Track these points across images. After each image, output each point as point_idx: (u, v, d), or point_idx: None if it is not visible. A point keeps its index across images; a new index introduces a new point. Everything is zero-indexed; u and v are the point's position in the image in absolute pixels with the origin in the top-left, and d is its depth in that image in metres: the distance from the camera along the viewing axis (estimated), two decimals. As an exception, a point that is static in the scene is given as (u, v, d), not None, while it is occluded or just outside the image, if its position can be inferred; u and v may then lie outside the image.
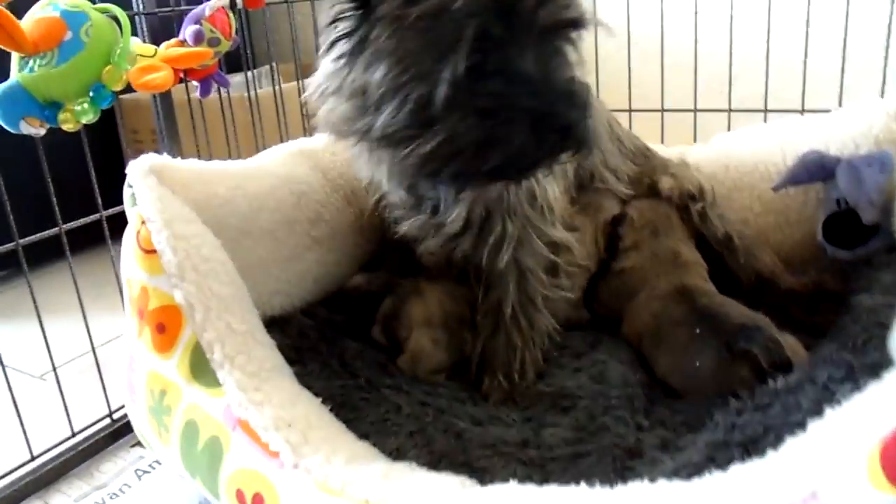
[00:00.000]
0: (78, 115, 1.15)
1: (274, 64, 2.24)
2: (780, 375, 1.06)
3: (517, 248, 1.21)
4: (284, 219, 1.34)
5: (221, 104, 1.73)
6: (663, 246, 1.38)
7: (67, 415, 1.35)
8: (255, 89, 1.84)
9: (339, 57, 1.03)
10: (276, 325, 1.32)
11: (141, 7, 1.42)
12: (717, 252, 1.43)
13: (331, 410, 1.06)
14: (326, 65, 1.06)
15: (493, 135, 0.95)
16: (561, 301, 1.29)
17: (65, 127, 1.16)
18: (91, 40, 1.13)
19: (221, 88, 1.54)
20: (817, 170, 1.39)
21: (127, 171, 1.14)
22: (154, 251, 1.06)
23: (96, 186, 1.38)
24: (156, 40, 1.40)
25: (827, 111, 1.58)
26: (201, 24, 1.34)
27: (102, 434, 1.40)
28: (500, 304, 1.25)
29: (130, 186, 1.12)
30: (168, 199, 1.10)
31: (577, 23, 1.01)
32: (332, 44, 1.03)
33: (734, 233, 1.43)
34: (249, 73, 1.80)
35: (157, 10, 1.47)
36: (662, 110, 1.76)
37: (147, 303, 1.06)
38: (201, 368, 1.02)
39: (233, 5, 1.40)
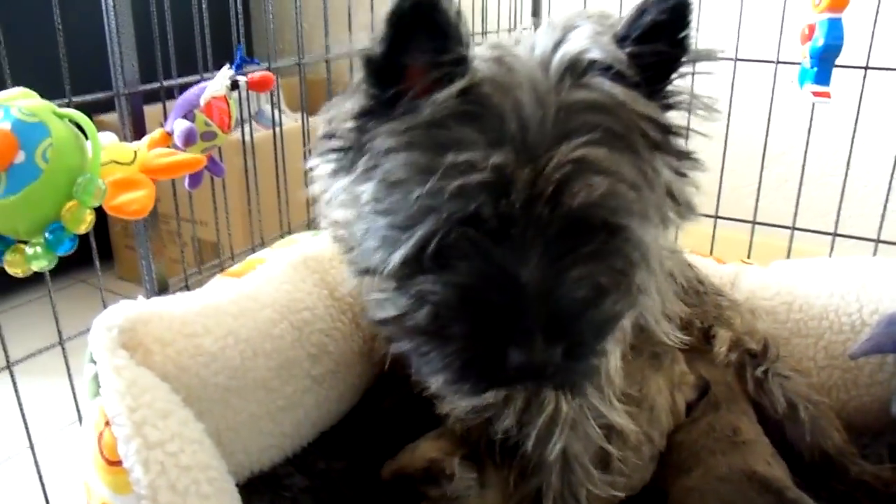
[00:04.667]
0: (28, 260, 0.90)
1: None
2: None
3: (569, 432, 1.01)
4: (282, 362, 1.11)
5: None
6: (723, 420, 1.19)
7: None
8: (251, 131, 1.58)
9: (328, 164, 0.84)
10: (266, 487, 1.12)
11: (122, 86, 1.15)
12: (775, 421, 1.24)
13: None
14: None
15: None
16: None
17: (10, 270, 0.91)
18: (49, 167, 0.87)
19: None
20: (906, 342, 1.20)
21: (90, 335, 0.90)
22: (120, 464, 0.83)
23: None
24: (138, 121, 1.15)
25: (905, 246, 1.39)
26: (194, 117, 1.08)
27: None
28: (539, 495, 1.05)
29: (94, 363, 0.88)
30: (140, 386, 0.87)
31: (611, 227, 0.75)
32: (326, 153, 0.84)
33: (801, 401, 1.24)
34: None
35: (141, 87, 1.19)
36: (716, 217, 1.54)
37: (108, 525, 0.84)
38: None
39: (234, 87, 1.14)
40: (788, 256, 1.51)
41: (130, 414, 0.83)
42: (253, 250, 1.34)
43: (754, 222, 1.52)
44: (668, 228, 0.85)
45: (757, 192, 1.51)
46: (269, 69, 1.43)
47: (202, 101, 1.09)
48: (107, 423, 0.84)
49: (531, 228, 0.72)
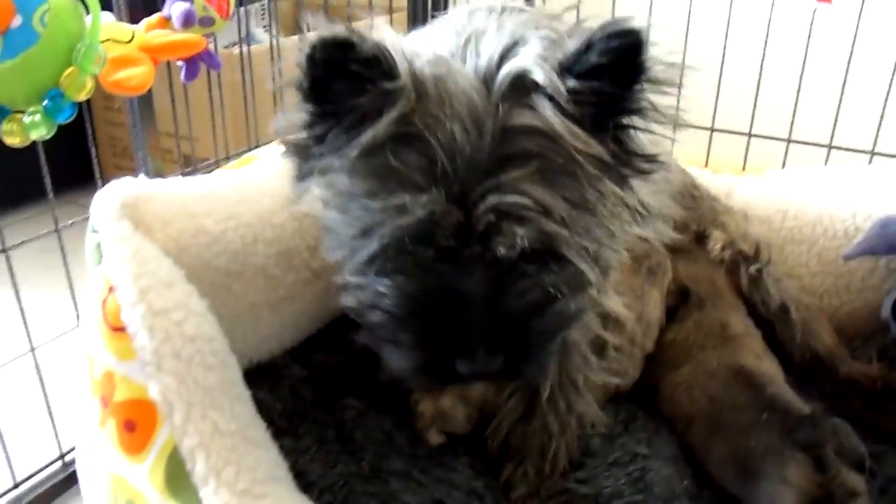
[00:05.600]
0: (27, 129, 0.88)
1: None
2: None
3: None
4: (282, 251, 1.11)
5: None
6: (709, 317, 1.21)
7: (9, 464, 1.13)
8: (248, 44, 1.55)
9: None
10: (264, 377, 1.13)
11: (115, -33, 1.12)
12: (767, 320, 1.26)
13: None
14: None
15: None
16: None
17: (8, 141, 0.90)
18: (48, 31, 0.85)
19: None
20: (900, 244, 1.22)
21: (92, 206, 0.89)
22: (124, 329, 0.83)
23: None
24: (133, 15, 1.12)
25: (900, 157, 1.40)
26: (192, 1, 1.06)
27: (52, 482, 1.19)
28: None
29: (95, 232, 0.87)
30: (144, 255, 0.86)
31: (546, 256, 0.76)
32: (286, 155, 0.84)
33: (792, 302, 1.26)
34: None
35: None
36: (712, 129, 1.54)
37: (112, 392, 0.85)
38: (179, 483, 0.82)
39: (232, -28, 1.11)
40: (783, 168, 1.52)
41: (135, 280, 0.83)
42: (249, 150, 1.32)
43: (750, 134, 1.52)
44: (632, 227, 0.86)
45: (753, 104, 1.51)
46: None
47: (200, -17, 1.06)
48: (111, 290, 0.83)
49: (469, 253, 0.73)
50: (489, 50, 0.76)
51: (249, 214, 1.06)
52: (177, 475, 0.82)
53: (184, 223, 0.97)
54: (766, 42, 1.49)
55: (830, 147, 1.49)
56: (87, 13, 0.89)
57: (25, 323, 1.15)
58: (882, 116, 1.43)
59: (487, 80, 0.75)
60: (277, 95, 1.54)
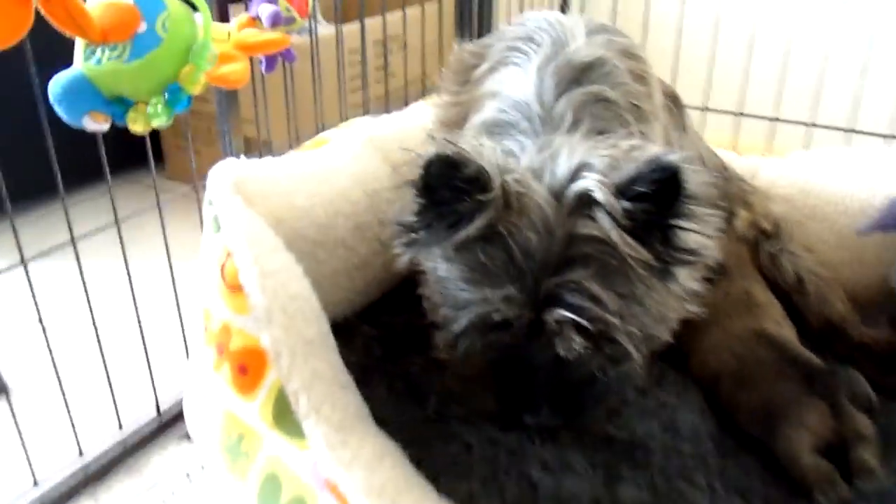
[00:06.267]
0: (150, 117, 1.02)
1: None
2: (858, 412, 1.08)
3: None
4: (357, 224, 1.25)
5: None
6: (736, 286, 1.34)
7: (116, 410, 1.30)
8: (315, 32, 1.68)
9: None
10: (339, 334, 1.27)
11: (209, -29, 1.25)
12: (785, 291, 1.39)
13: (403, 447, 1.05)
14: None
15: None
16: None
17: (132, 128, 1.04)
18: (168, 35, 0.99)
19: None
20: (912, 221, 1.34)
21: (207, 183, 1.04)
22: (240, 288, 0.98)
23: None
24: (221, 11, 1.26)
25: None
26: (276, 1, 1.19)
27: (149, 429, 1.36)
28: None
29: (211, 204, 1.02)
30: (254, 225, 1.02)
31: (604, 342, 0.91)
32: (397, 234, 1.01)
33: (806, 275, 1.39)
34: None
35: (226, -25, 1.30)
36: (740, 114, 1.66)
37: (229, 341, 1.00)
38: (285, 417, 0.97)
39: (312, -25, 1.24)
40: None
41: (250, 247, 0.98)
42: (317, 132, 1.46)
43: (775, 119, 1.63)
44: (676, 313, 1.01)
45: (778, 90, 1.62)
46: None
47: (285, -13, 1.19)
48: (228, 255, 0.98)
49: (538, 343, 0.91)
50: (562, 171, 0.93)
51: (330, 192, 1.20)
52: (283, 411, 0.97)
53: (279, 199, 1.12)
54: (790, 30, 1.60)
55: (853, 131, 1.60)
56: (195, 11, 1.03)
57: (132, 287, 1.30)
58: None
59: (559, 195, 0.91)
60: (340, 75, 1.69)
